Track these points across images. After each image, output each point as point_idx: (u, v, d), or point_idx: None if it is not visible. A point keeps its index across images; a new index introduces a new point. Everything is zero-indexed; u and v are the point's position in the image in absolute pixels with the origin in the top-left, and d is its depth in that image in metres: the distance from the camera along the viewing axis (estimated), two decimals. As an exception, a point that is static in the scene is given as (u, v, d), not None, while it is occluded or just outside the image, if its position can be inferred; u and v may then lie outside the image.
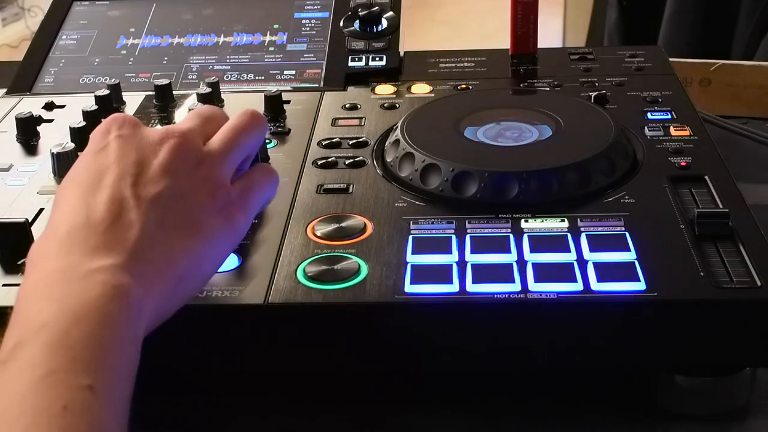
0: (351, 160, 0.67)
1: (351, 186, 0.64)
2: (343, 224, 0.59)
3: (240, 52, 0.86)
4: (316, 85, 0.82)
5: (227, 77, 0.84)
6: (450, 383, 0.58)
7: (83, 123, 0.70)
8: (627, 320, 0.52)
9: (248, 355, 0.54)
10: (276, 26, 0.89)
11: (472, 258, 0.55)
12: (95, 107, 0.74)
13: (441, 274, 0.54)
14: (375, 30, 0.87)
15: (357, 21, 0.87)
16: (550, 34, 2.74)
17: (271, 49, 0.87)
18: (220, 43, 0.88)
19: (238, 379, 0.59)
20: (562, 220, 0.58)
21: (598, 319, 0.52)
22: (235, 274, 0.55)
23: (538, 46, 0.85)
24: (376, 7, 0.87)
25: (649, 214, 0.59)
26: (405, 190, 0.63)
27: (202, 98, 0.74)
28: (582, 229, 0.57)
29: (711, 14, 1.62)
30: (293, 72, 0.84)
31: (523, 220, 0.59)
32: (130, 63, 0.86)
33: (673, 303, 0.51)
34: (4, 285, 0.55)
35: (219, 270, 0.55)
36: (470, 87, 0.80)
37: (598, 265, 0.54)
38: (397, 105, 0.76)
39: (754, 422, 0.55)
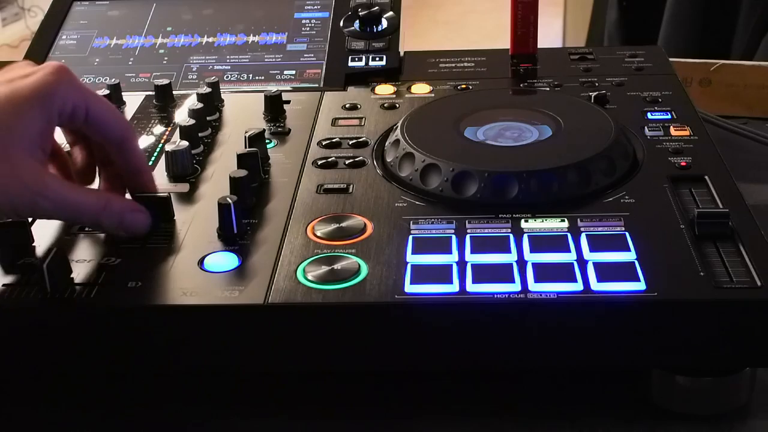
0: (351, 160, 0.67)
1: (351, 186, 0.64)
2: (343, 224, 0.59)
3: (240, 52, 0.86)
4: (316, 85, 0.82)
5: (227, 77, 0.84)
6: (449, 383, 0.58)
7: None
8: (627, 320, 0.52)
9: (248, 356, 0.54)
10: (276, 26, 0.89)
11: (472, 258, 0.55)
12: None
13: (441, 274, 0.54)
14: (375, 30, 0.86)
15: (357, 21, 0.87)
16: (550, 34, 2.74)
17: (271, 49, 0.87)
18: (219, 43, 0.88)
19: (237, 380, 0.59)
20: (562, 220, 0.58)
21: (598, 319, 0.52)
22: (235, 274, 0.55)
23: (538, 46, 0.85)
24: (376, 7, 0.87)
25: (649, 214, 0.59)
26: (405, 190, 0.63)
27: (202, 98, 0.74)
28: (582, 229, 0.57)
29: (711, 14, 1.62)
30: (293, 72, 0.84)
31: (523, 220, 0.59)
32: (130, 63, 0.86)
33: (673, 303, 0.51)
34: (3, 285, 0.55)
35: (219, 270, 0.55)
36: (470, 87, 0.80)
37: (598, 265, 0.54)
38: (397, 105, 0.76)
39: (754, 422, 0.55)
